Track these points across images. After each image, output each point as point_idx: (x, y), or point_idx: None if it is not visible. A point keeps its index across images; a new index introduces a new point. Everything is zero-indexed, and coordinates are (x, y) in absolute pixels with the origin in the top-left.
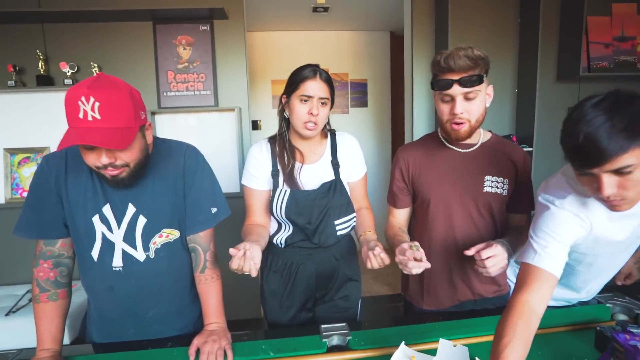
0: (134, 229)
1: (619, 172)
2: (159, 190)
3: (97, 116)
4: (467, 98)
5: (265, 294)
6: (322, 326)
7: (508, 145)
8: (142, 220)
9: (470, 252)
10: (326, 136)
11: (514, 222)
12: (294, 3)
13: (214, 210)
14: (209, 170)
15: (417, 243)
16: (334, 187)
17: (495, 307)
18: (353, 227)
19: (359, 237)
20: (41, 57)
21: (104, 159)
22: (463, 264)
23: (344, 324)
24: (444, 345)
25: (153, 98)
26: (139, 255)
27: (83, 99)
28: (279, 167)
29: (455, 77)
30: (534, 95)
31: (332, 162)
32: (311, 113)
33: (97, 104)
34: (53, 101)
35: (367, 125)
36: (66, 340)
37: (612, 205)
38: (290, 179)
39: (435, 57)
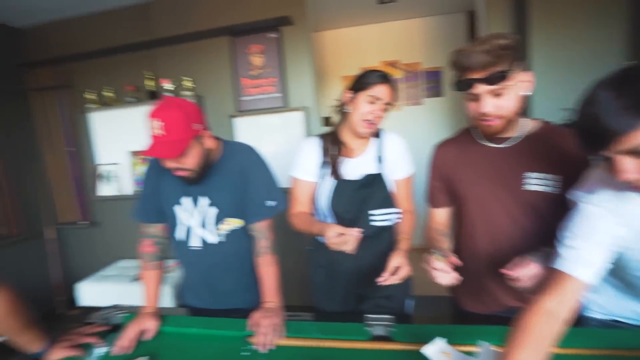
0: (206, 217)
1: (633, 153)
2: (225, 186)
3: (161, 132)
4: (494, 95)
5: (313, 287)
6: (366, 315)
7: (560, 135)
8: (213, 210)
9: (509, 273)
10: (374, 134)
11: None
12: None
13: (270, 203)
14: (264, 168)
15: (445, 251)
16: (376, 179)
17: None
18: (393, 222)
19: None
20: (151, 77)
21: (171, 164)
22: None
23: (389, 317)
24: (485, 348)
25: (231, 103)
26: (212, 238)
27: (152, 120)
28: (327, 159)
29: (477, 75)
30: None
31: (376, 157)
32: (375, 114)
33: (159, 122)
34: None
35: (443, 117)
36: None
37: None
38: (336, 170)
39: (452, 55)
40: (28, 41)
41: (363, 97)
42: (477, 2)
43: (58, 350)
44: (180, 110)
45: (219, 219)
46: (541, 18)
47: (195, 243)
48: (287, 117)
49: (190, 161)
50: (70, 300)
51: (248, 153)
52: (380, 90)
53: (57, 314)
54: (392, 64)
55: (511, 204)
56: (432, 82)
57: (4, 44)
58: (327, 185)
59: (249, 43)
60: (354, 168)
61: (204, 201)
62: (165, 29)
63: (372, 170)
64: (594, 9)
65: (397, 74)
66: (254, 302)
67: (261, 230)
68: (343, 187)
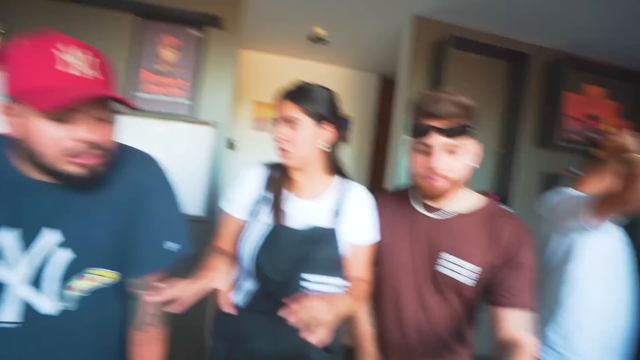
0: (47, 267)
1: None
2: (97, 213)
3: (92, 72)
4: (449, 151)
5: None
6: None
7: (500, 220)
8: (64, 255)
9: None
10: (331, 175)
11: (502, 327)
12: (291, 30)
13: (173, 246)
14: (171, 193)
15: None
16: (328, 237)
17: None
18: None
19: None
20: (2, 32)
21: (92, 132)
22: (420, 347)
23: None
24: None
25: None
26: (50, 305)
27: (68, 49)
28: (267, 194)
29: (438, 124)
30: (512, 157)
31: (333, 208)
32: (278, 136)
33: (87, 55)
34: None
35: (351, 162)
36: None
37: None
38: (278, 208)
39: (416, 98)
40: None
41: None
42: (393, 69)
43: None
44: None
45: (74, 271)
46: None
47: (8, 316)
48: (192, 129)
49: (109, 134)
50: None
51: (150, 167)
52: (279, 107)
53: None
54: None
55: (422, 281)
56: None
57: None
58: (259, 229)
59: (161, 32)
60: (300, 212)
61: (50, 238)
62: None
63: (324, 222)
64: (483, 102)
65: None
66: None
67: (151, 287)
68: (279, 235)
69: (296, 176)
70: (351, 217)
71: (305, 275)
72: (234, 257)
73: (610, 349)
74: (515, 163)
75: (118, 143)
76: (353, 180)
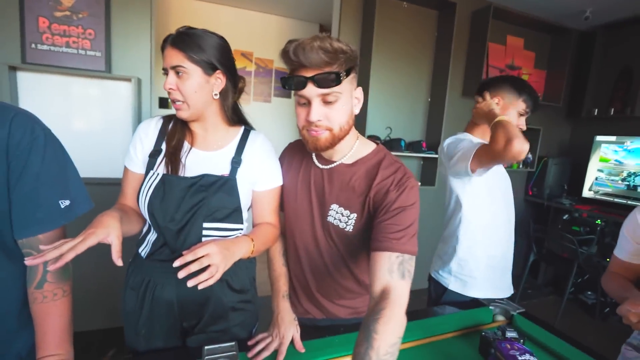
0: None
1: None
2: None
3: None
4: (325, 101)
5: (122, 313)
6: (206, 348)
7: (382, 168)
8: None
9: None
10: (234, 126)
11: (376, 272)
12: None
13: (64, 203)
14: (54, 149)
15: None
16: (222, 185)
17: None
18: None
19: None
20: None
21: None
22: (310, 282)
23: (232, 344)
24: None
25: (14, 47)
26: None
27: None
28: (163, 145)
29: (309, 74)
30: (443, 107)
31: (233, 158)
32: (165, 87)
33: None
34: None
35: (290, 117)
36: None
37: None
38: (172, 159)
39: (285, 46)
40: None
41: None
42: (332, 17)
43: None
44: None
45: None
46: (380, 45)
47: None
48: (107, 86)
49: None
50: None
51: (24, 123)
52: (164, 58)
53: None
54: (245, 55)
55: (317, 229)
56: None
57: None
58: (152, 179)
59: None
60: (197, 163)
61: None
62: None
63: (222, 171)
64: (413, 52)
65: (249, 66)
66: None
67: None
68: (169, 184)
69: (194, 127)
70: (251, 165)
71: (203, 224)
72: (139, 213)
73: (496, 269)
74: (445, 112)
75: None
76: (254, 129)
